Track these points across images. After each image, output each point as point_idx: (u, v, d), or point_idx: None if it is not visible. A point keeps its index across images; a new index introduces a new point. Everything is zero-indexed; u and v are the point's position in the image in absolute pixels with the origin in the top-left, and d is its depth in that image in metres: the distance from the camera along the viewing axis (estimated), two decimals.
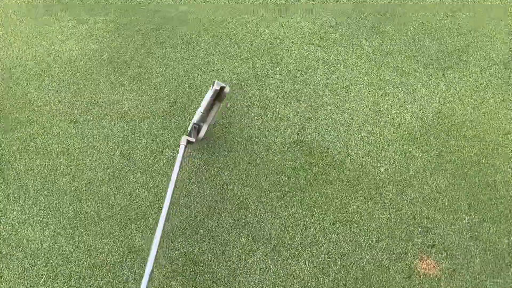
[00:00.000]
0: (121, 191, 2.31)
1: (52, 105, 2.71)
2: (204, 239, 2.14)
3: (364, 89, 2.71)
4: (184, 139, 2.31)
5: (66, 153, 2.47)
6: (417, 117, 2.55)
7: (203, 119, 2.39)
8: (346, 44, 2.99)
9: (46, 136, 2.55)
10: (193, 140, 2.31)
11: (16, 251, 2.10)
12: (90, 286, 1.99)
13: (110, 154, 2.47)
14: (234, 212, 2.22)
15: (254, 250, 2.09)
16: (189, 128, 2.37)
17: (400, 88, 2.70)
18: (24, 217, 2.22)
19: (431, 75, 2.76)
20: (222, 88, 2.35)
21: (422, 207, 2.19)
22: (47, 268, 2.05)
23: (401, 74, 2.78)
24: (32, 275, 2.02)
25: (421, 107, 2.59)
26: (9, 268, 2.05)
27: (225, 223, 2.19)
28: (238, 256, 2.07)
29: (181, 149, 2.29)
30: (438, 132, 2.47)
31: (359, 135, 2.49)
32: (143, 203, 2.26)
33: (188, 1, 3.35)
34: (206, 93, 2.37)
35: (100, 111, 2.67)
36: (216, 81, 2.34)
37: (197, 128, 2.39)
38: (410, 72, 2.78)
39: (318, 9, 3.26)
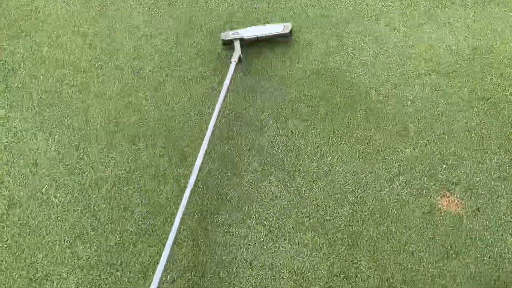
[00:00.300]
0: (129, 107, 2.18)
1: (59, 14, 2.53)
2: (214, 161, 2.02)
3: (396, 18, 2.49)
4: (236, 55, 2.20)
5: (73, 65, 2.32)
6: (451, 51, 2.34)
7: (248, 40, 2.33)
8: None
9: (52, 46, 2.40)
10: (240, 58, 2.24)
11: (18, 159, 2.01)
12: (94, 199, 1.91)
13: (119, 69, 2.32)
14: (248, 137, 2.09)
15: (267, 175, 1.97)
16: (233, 39, 2.30)
17: (435, 20, 2.47)
18: (27, 125, 2.11)
19: (469, 9, 2.52)
20: (290, 32, 2.36)
21: (449, 143, 2.04)
22: (50, 177, 1.96)
23: (437, 5, 2.54)
24: (34, 184, 1.94)
25: (457, 42, 2.38)
26: (9, 175, 1.97)
27: (237, 147, 2.06)
28: (250, 180, 1.96)
29: (232, 66, 2.15)
30: (473, 68, 2.28)
31: (387, 66, 2.30)
32: (152, 120, 2.14)
33: None
34: (271, 24, 2.39)
35: (110, 25, 2.49)
36: (291, 25, 2.36)
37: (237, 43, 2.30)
38: (447, 4, 2.54)
39: None
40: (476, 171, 1.96)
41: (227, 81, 2.11)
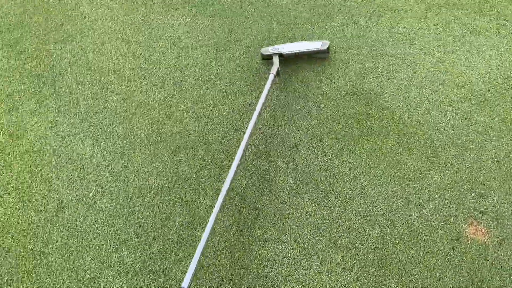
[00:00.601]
0: (171, 118, 2.28)
1: (104, 21, 2.62)
2: (251, 176, 2.12)
3: (430, 43, 2.55)
4: (275, 68, 2.32)
5: (117, 72, 2.42)
6: (484, 79, 2.41)
7: (287, 56, 2.43)
8: None
9: (97, 53, 2.49)
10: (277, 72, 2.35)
11: (66, 163, 2.12)
12: (138, 207, 2.01)
13: (162, 80, 2.41)
14: (283, 154, 2.18)
15: (302, 193, 2.06)
16: (272, 54, 2.40)
17: (468, 47, 2.53)
18: (74, 130, 2.22)
19: (503, 37, 2.58)
20: (327, 49, 2.44)
21: (478, 172, 2.12)
22: (96, 183, 2.07)
23: (472, 32, 2.60)
24: (82, 188, 2.05)
25: (489, 70, 2.44)
26: (58, 179, 2.08)
27: (274, 164, 2.15)
28: (285, 197, 2.06)
29: (270, 78, 2.26)
30: (505, 98, 2.35)
31: (420, 91, 2.37)
32: (193, 132, 2.23)
33: None
34: (309, 41, 2.50)
35: (153, 34, 2.58)
36: (328, 42, 2.45)
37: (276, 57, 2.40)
38: (481, 31, 2.60)
39: None
40: (503, 202, 2.04)
41: (264, 93, 2.20)
